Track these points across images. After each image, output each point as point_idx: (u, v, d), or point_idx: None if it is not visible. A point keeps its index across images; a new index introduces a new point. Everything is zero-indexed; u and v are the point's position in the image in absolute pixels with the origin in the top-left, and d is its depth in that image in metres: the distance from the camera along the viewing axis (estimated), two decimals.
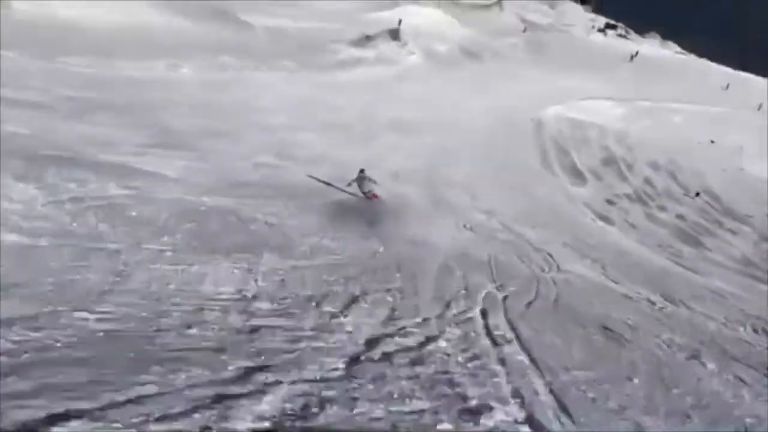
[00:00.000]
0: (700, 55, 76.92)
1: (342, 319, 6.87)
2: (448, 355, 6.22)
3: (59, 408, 3.76)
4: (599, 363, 7.19)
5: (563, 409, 5.34)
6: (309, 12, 51.06)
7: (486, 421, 4.76)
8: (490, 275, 11.43)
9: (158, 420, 3.89)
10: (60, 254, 7.19)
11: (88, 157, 12.66)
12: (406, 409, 4.76)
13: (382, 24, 51.15)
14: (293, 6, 51.78)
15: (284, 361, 5.32)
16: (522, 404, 5.24)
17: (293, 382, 4.86)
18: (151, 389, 4.28)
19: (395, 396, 4.93)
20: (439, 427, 4.54)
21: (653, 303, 12.68)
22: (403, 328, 6.91)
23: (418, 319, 7.38)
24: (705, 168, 35.21)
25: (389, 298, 8.11)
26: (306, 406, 4.48)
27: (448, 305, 8.31)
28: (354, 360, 5.62)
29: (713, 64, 72.83)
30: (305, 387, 4.83)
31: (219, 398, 4.36)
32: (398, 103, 35.53)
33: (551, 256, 15.57)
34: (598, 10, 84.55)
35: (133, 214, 9.53)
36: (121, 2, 30.23)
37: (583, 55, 62.24)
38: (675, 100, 47.79)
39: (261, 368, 5.04)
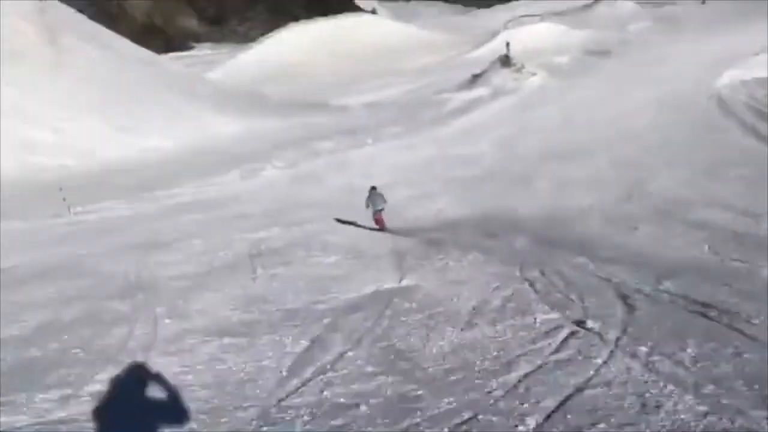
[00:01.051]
0: None
1: None
2: None
3: None
4: None
5: None
6: (405, 78, 46.25)
7: None
8: None
9: None
10: None
11: None
12: None
13: (485, 59, 45.08)
14: (388, 77, 47.31)
15: None
16: None
17: None
18: None
19: None
20: None
21: None
22: None
23: None
24: None
25: None
26: None
27: None
28: None
29: None
30: None
31: None
32: (537, 131, 28.52)
33: None
34: None
35: None
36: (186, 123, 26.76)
37: (718, 14, 51.46)
38: None
39: None
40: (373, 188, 14.51)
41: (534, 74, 39.86)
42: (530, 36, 48.08)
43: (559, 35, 50.34)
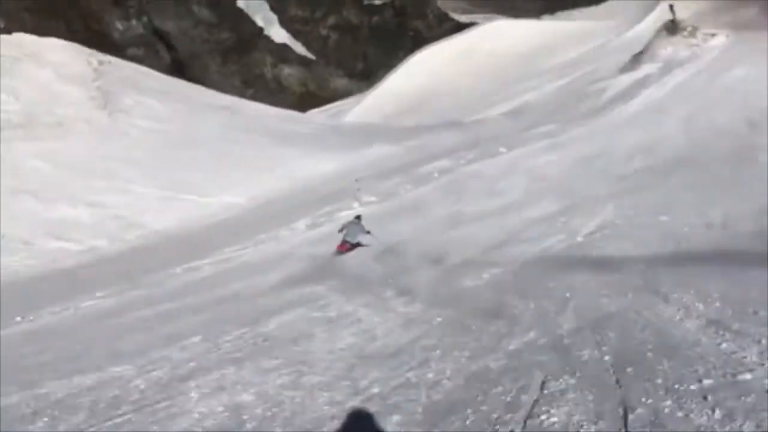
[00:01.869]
0: None
1: None
2: None
3: None
4: None
5: None
6: (550, 76, 39.73)
7: None
8: None
9: None
10: None
11: None
12: None
13: (647, 36, 37.08)
14: (530, 80, 41.12)
15: None
16: None
17: None
18: None
19: None
20: None
21: None
22: None
23: None
24: None
25: None
26: None
27: None
28: None
29: None
30: None
31: None
32: (737, 100, 21.02)
33: None
34: None
35: None
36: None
37: None
38: None
39: None
40: (358, 218, 13.76)
41: (714, 34, 31.33)
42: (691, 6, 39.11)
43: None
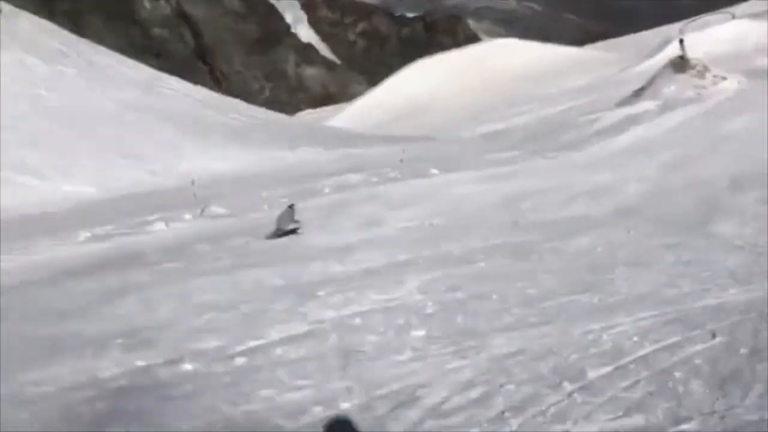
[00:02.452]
0: None
1: None
2: None
3: None
4: None
5: None
6: (547, 102, 36.78)
7: None
8: None
9: None
10: None
11: None
12: None
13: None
14: (526, 104, 38.22)
15: None
16: None
17: None
18: None
19: None
20: None
21: None
22: None
23: None
24: None
25: None
26: None
27: None
28: None
29: None
30: None
31: None
32: (727, 151, 18.23)
33: None
34: None
35: None
36: None
37: None
38: None
39: None
40: (291, 207, 13.09)
41: (724, 78, 28.30)
42: (717, 38, 36.22)
43: (760, 35, 37.70)
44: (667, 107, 26.45)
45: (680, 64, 29.36)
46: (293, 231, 12.61)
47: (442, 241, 9.87)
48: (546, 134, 25.71)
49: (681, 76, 28.84)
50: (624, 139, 23.19)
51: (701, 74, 28.60)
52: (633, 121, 25.37)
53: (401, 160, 17.17)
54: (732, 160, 17.22)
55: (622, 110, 27.79)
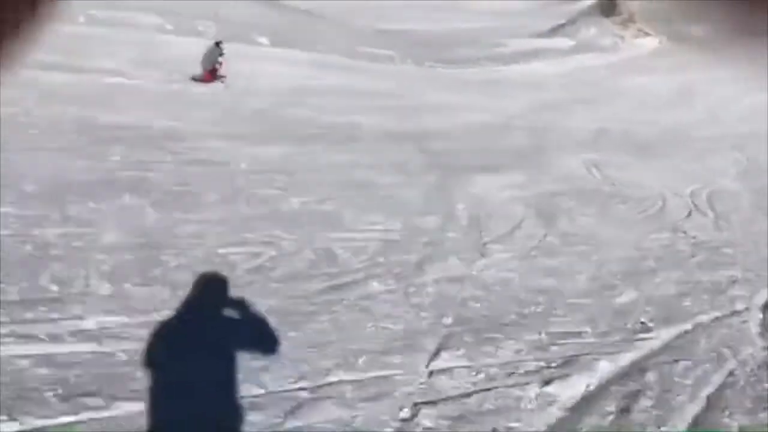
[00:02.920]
0: None
1: None
2: None
3: None
4: None
5: None
6: (458, 14, 33.46)
7: None
8: None
9: None
10: None
11: None
12: None
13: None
14: (438, 12, 34.54)
15: None
16: None
17: None
18: None
19: None
20: None
21: None
22: None
23: None
24: None
25: None
26: None
27: None
28: None
29: None
30: None
31: None
32: (612, 108, 16.25)
33: None
34: None
35: None
36: None
37: None
38: None
39: None
40: (218, 44, 12.33)
41: (647, 34, 26.17)
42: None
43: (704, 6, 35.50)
44: (578, 49, 24.17)
45: (608, 7, 26.87)
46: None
47: None
48: (442, 46, 22.86)
49: (604, 21, 26.45)
50: (517, 69, 20.84)
51: (625, 24, 26.32)
52: (536, 55, 22.95)
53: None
54: (605, 115, 15.33)
55: (533, 41, 25.23)
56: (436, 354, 3.94)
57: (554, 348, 4.13)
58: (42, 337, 3.61)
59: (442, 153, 9.16)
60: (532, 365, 3.92)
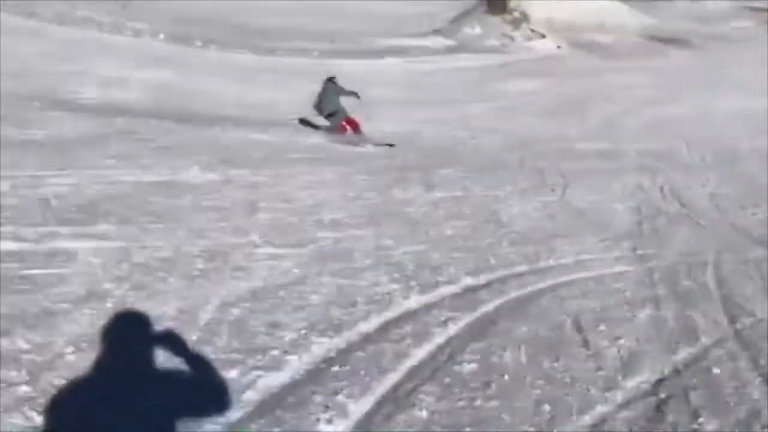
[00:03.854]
0: None
1: None
2: None
3: None
4: None
5: None
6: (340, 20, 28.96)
7: None
8: None
9: None
10: None
11: None
12: None
13: None
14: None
15: None
16: None
17: None
18: None
19: None
20: None
21: None
22: None
23: None
24: None
25: None
26: None
27: None
28: None
29: None
30: None
31: None
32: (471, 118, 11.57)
33: None
34: None
35: None
36: None
37: None
38: None
39: None
40: (330, 79, 8.62)
41: (543, 36, 22.20)
42: (566, 7, 30.29)
43: (610, 14, 32.38)
44: (457, 49, 19.81)
45: (496, 5, 22.77)
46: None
47: None
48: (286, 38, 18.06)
49: (493, 19, 22.31)
50: (366, 64, 16.18)
51: (516, 23, 22.25)
52: (402, 52, 18.40)
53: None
54: (453, 127, 10.80)
55: (404, 40, 20.72)
56: None
57: None
58: None
59: None
60: None
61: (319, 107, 8.43)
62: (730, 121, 14.25)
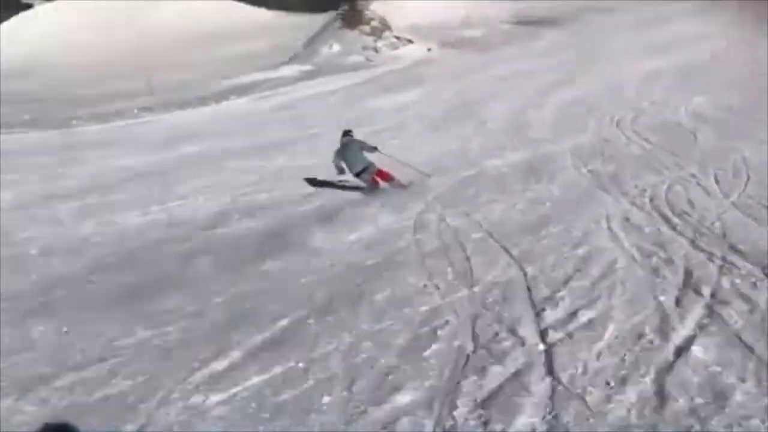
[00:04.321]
0: None
1: None
2: None
3: None
4: None
5: None
6: (195, 68, 25.58)
7: None
8: None
9: None
10: None
11: None
12: None
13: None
14: (171, 70, 26.40)
15: None
16: None
17: None
18: None
19: None
20: None
21: None
22: None
23: None
24: None
25: None
26: None
27: None
28: None
29: None
30: None
31: None
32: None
33: None
34: None
35: None
36: None
37: None
38: None
39: None
40: (347, 133, 7.92)
41: (410, 42, 19.71)
42: (427, 10, 28.34)
43: (474, 8, 30.78)
44: (315, 73, 16.80)
45: (351, 17, 20.09)
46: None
47: None
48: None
49: (350, 34, 19.57)
50: (207, 113, 12.81)
51: (377, 33, 19.65)
52: (250, 89, 15.16)
53: None
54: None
55: (256, 75, 17.55)
56: None
57: None
58: None
59: None
60: None
61: (340, 165, 7.52)
62: (646, 85, 12.19)
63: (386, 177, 7.56)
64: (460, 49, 21.30)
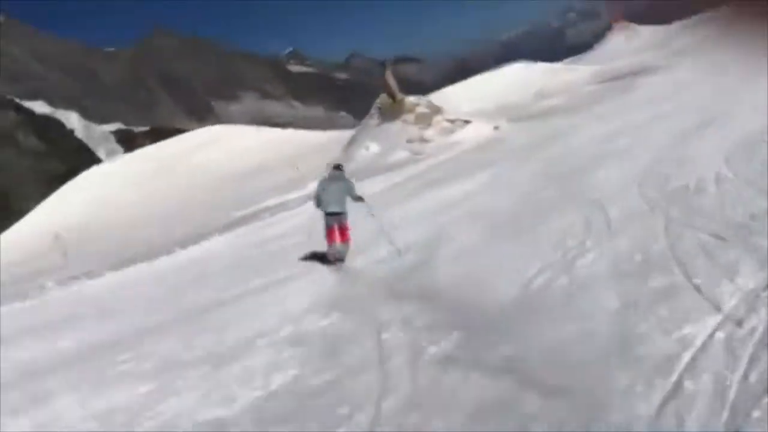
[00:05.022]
0: None
1: None
2: None
3: None
4: None
5: None
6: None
7: None
8: None
9: None
10: None
11: None
12: None
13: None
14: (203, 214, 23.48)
15: None
16: None
17: None
18: None
19: None
20: None
21: None
22: None
23: None
24: None
25: None
26: None
27: None
28: None
29: None
30: None
31: None
32: None
33: None
34: None
35: None
36: None
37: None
38: None
39: None
40: (337, 168, 7.49)
41: (467, 122, 15.34)
42: (492, 91, 24.52)
43: (549, 78, 26.90)
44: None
45: (390, 108, 16.07)
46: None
47: None
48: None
49: (391, 127, 15.47)
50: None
51: (425, 120, 15.44)
52: (239, 222, 11.05)
53: None
54: None
55: (276, 198, 13.59)
56: None
57: None
58: None
59: None
60: None
61: (318, 197, 6.93)
62: None
63: (344, 238, 7.00)
64: (537, 120, 16.73)
